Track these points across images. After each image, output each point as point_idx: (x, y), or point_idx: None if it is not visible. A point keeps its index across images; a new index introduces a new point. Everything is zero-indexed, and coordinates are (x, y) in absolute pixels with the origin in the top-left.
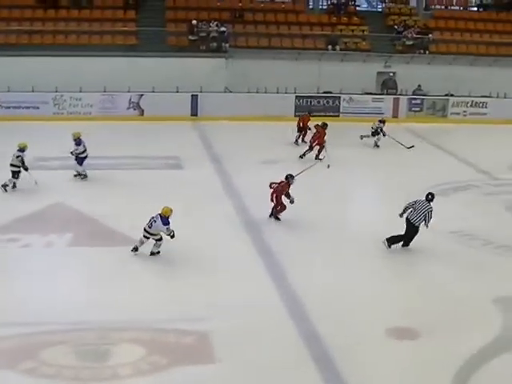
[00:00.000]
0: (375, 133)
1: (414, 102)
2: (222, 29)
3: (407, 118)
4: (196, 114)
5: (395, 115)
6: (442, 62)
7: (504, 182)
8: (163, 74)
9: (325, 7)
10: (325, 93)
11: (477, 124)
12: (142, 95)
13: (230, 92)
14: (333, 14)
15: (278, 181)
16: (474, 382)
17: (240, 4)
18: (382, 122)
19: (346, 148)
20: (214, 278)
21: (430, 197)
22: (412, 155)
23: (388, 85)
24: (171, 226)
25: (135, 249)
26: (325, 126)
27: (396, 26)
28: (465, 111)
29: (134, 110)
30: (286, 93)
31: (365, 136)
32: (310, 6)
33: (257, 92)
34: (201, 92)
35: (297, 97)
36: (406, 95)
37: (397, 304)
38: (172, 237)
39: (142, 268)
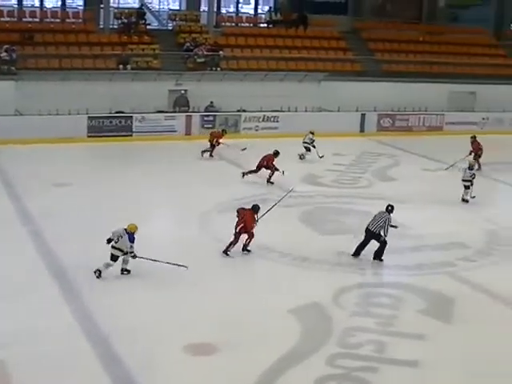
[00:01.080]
0: (308, 148)
1: (206, 118)
2: (12, 48)
3: (200, 134)
4: None
5: (188, 132)
6: (234, 78)
7: (297, 195)
8: None
9: (115, 26)
10: (117, 113)
11: (268, 138)
12: None
13: (21, 115)
14: (123, 34)
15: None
16: None
17: (29, 25)
18: (312, 133)
19: (141, 168)
20: (8, 304)
21: (389, 208)
22: (206, 171)
23: (180, 102)
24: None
25: (99, 271)
26: (276, 154)
27: (187, 44)
28: (257, 126)
29: None
30: (78, 114)
31: (303, 154)
32: (101, 26)
33: (48, 114)
34: None
35: (89, 117)
36: (199, 112)
37: (194, 320)
38: (133, 257)
39: None
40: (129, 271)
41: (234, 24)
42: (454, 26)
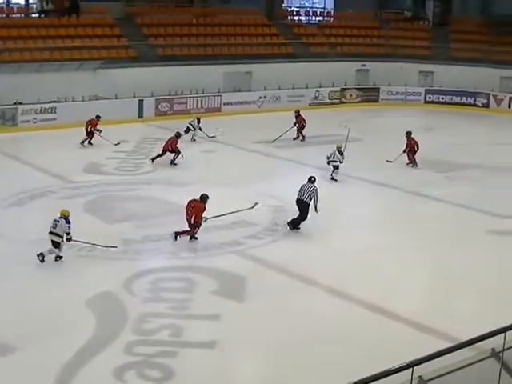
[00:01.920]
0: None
1: None
2: None
3: None
4: None
5: None
6: (8, 70)
7: (80, 185)
8: None
9: None
10: None
11: (47, 130)
12: None
13: None
14: None
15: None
16: None
17: None
18: (198, 120)
19: None
20: None
21: (312, 179)
22: None
23: None
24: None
25: (42, 255)
26: (178, 136)
27: None
28: (35, 118)
29: None
30: None
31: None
32: None
33: None
34: None
35: None
36: None
37: None
38: (68, 240)
39: None
40: (61, 257)
41: (4, 15)
42: (226, 7)
